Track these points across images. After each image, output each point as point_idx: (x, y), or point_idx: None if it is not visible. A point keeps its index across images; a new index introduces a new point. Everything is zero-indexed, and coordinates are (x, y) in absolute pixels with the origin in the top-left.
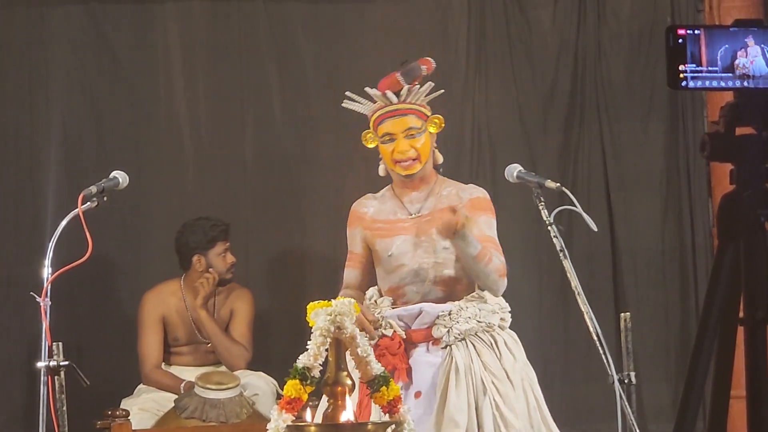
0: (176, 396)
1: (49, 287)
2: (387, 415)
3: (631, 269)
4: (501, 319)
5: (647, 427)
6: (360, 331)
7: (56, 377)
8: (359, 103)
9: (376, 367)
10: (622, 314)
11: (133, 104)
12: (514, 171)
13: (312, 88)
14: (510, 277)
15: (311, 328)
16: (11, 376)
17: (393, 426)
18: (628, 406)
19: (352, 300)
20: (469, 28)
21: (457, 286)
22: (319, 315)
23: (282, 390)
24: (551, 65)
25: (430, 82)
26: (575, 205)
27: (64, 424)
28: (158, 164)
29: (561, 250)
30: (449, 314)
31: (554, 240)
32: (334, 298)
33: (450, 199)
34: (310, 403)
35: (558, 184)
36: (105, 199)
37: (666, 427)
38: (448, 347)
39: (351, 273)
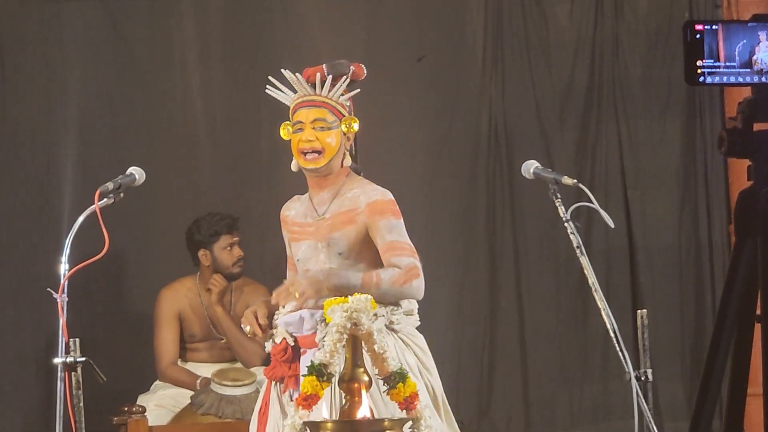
0: (192, 392)
1: (66, 283)
2: (404, 411)
3: (647, 266)
4: (390, 321)
5: (664, 425)
6: (249, 331)
7: (73, 373)
8: (281, 91)
9: (393, 364)
10: (639, 311)
11: (149, 100)
12: (530, 167)
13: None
14: (527, 274)
15: (327, 324)
16: (28, 372)
17: (410, 422)
18: (644, 403)
19: (369, 296)
20: (485, 24)
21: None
22: (335, 312)
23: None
24: (568, 61)
25: (345, 83)
26: (592, 202)
27: (80, 420)
28: (174, 160)
29: (578, 247)
30: (324, 320)
31: (571, 237)
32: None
33: (353, 201)
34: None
35: (575, 181)
36: (122, 195)
37: (682, 425)
38: None
39: (289, 275)
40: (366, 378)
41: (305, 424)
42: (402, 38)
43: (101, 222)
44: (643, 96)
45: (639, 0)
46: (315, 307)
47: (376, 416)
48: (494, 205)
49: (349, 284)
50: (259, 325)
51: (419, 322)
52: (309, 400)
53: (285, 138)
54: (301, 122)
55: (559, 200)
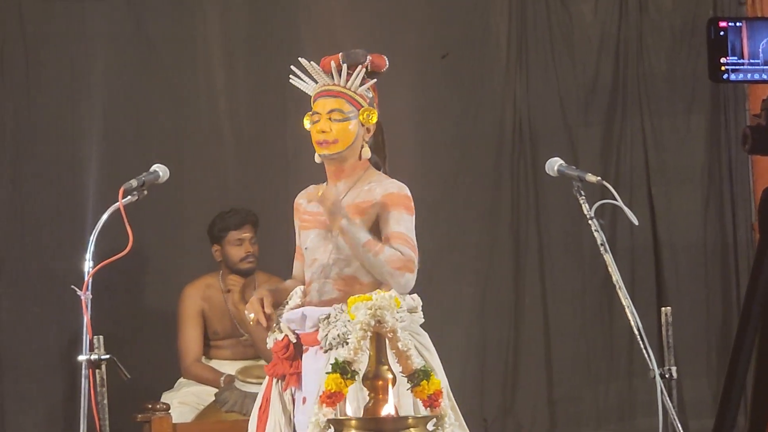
0: (216, 390)
1: (90, 281)
2: (428, 409)
3: (672, 263)
4: (394, 320)
5: (688, 422)
6: (252, 319)
7: (97, 370)
8: (305, 81)
9: (417, 361)
10: (663, 309)
11: (174, 97)
12: (554, 165)
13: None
14: (551, 272)
15: (352, 321)
16: (52, 370)
17: (434, 420)
18: (669, 401)
19: (393, 294)
20: (510, 20)
21: (357, 286)
22: (359, 309)
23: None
24: (593, 58)
25: (362, 72)
26: (616, 199)
27: (104, 418)
28: (198, 157)
29: (602, 244)
30: (328, 318)
31: (595, 234)
32: (374, 291)
33: (369, 194)
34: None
35: (599, 178)
36: (145, 192)
37: (707, 422)
38: (329, 352)
39: (296, 265)
40: (390, 375)
41: (329, 421)
42: (426, 35)
43: (125, 219)
44: (668, 93)
45: None
46: (318, 304)
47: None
48: (518, 202)
49: (355, 235)
50: (265, 314)
51: (423, 320)
52: (333, 398)
53: (307, 128)
54: (317, 113)
55: (584, 197)
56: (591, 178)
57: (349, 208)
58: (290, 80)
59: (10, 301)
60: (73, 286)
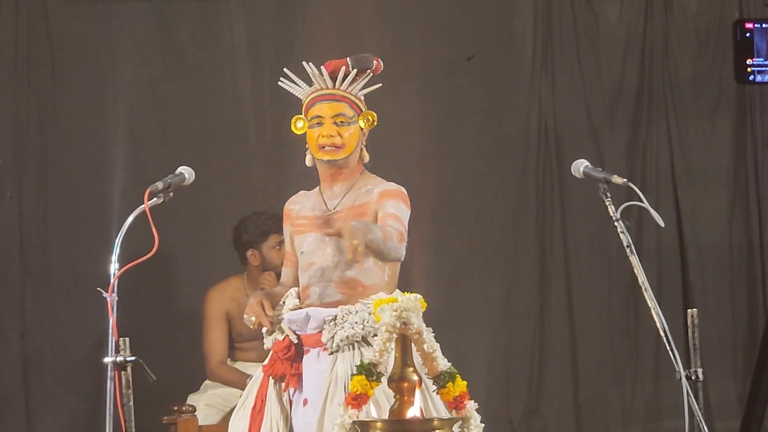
0: (242, 392)
1: (116, 283)
2: (453, 411)
3: (698, 265)
4: (420, 321)
5: (714, 424)
6: (253, 322)
7: (123, 372)
8: (297, 85)
9: (442, 363)
10: (690, 310)
11: (199, 100)
12: (580, 167)
13: (376, 82)
14: (577, 273)
15: (377, 323)
16: (78, 371)
17: (460, 422)
18: (695, 403)
19: (419, 296)
20: (535, 23)
21: (359, 289)
22: (385, 311)
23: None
24: (618, 61)
25: (370, 76)
26: (642, 201)
27: (130, 419)
28: (224, 160)
29: (628, 246)
30: (334, 319)
31: (621, 236)
32: (402, 293)
33: (367, 195)
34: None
35: (625, 180)
36: (171, 194)
37: (733, 424)
38: (334, 354)
39: (285, 271)
40: (416, 377)
41: (355, 423)
42: (452, 37)
43: (151, 221)
44: (693, 95)
45: None
46: (321, 305)
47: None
48: (544, 204)
49: (375, 236)
50: (267, 316)
51: None
52: (358, 400)
53: (297, 132)
54: (320, 117)
55: (609, 199)
56: (617, 180)
57: (349, 210)
58: (280, 83)
59: (37, 304)
60: (99, 288)
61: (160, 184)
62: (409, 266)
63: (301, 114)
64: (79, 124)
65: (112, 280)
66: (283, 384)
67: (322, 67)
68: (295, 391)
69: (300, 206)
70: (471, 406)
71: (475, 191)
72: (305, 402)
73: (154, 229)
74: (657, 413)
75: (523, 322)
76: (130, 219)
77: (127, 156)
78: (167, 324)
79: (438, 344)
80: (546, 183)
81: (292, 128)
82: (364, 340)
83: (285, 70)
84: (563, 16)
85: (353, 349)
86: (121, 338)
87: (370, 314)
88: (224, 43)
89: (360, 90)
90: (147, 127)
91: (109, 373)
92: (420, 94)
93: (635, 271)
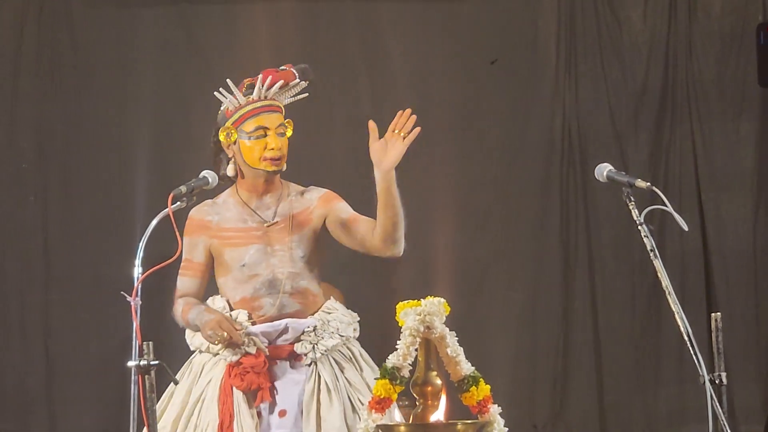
0: None
1: (139, 287)
2: (477, 415)
3: (722, 269)
4: (354, 329)
5: (738, 428)
6: (224, 338)
7: (147, 376)
8: (233, 95)
9: (466, 367)
10: (713, 314)
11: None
12: (604, 170)
13: (400, 86)
14: (601, 277)
15: (400, 327)
16: (102, 375)
17: (483, 426)
18: (719, 407)
19: (442, 300)
20: (559, 27)
21: (311, 298)
22: (408, 315)
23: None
24: (642, 64)
25: (301, 83)
26: (666, 205)
27: (154, 423)
28: None
29: (651, 250)
30: (314, 330)
31: (645, 240)
32: (424, 297)
33: (303, 202)
34: (399, 403)
35: (648, 184)
36: (195, 198)
37: (757, 428)
38: (313, 364)
39: (191, 282)
40: (439, 381)
41: (378, 427)
42: (476, 41)
43: (174, 225)
44: (717, 98)
45: (713, 2)
46: (282, 316)
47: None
48: (568, 208)
49: (402, 219)
50: (237, 330)
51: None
52: (382, 404)
53: (227, 142)
54: (265, 128)
55: (633, 203)
56: (640, 183)
57: (288, 220)
58: (216, 93)
59: (61, 308)
60: (122, 292)
61: (183, 188)
62: (433, 270)
63: (227, 125)
64: (103, 128)
65: (135, 284)
66: (254, 398)
67: (262, 76)
68: (269, 403)
69: (219, 217)
70: (495, 410)
71: (499, 195)
72: (282, 413)
73: (177, 233)
74: (680, 417)
75: (546, 326)
76: (154, 223)
77: (150, 160)
78: None
79: (461, 348)
80: (570, 187)
81: (221, 138)
82: (337, 349)
83: (227, 80)
84: (587, 21)
85: (327, 357)
86: (144, 342)
87: (341, 323)
88: (248, 47)
89: (289, 100)
90: (170, 131)
91: (132, 377)
92: (444, 98)
93: (659, 275)
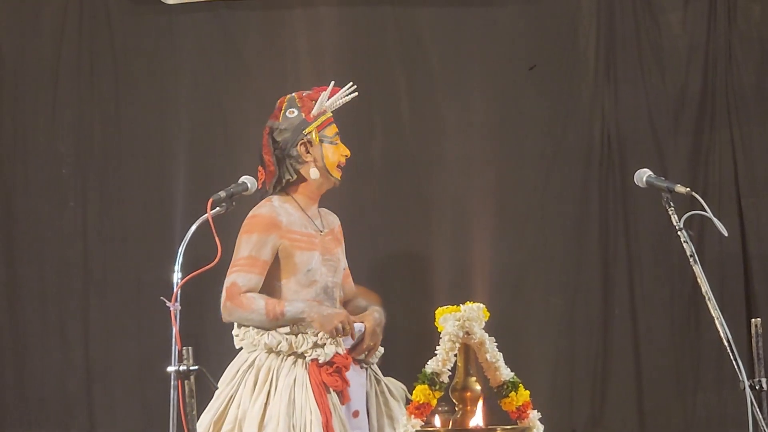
0: None
1: (179, 292)
2: (517, 420)
3: (762, 274)
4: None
5: None
6: (347, 333)
7: (186, 382)
8: (312, 102)
9: (505, 373)
10: (753, 320)
11: (261, 109)
12: (643, 176)
13: (439, 92)
14: (640, 283)
15: (440, 333)
16: (142, 380)
17: (522, 431)
18: (759, 413)
19: (481, 305)
20: (598, 32)
21: (345, 307)
22: (447, 320)
23: (411, 395)
24: (681, 69)
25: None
26: (705, 210)
27: (194, 428)
28: None
29: (691, 256)
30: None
31: (684, 245)
32: (462, 303)
33: (329, 220)
34: (439, 409)
35: (688, 189)
36: (234, 204)
37: None
38: (368, 368)
39: (257, 279)
40: (478, 387)
41: None
42: (514, 47)
43: (214, 231)
44: (757, 103)
45: (752, 7)
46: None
47: None
48: (607, 213)
49: None
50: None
51: None
52: (422, 409)
53: (314, 142)
54: (337, 135)
55: (672, 209)
56: (680, 189)
57: (332, 233)
58: (344, 99)
59: (100, 313)
60: (162, 298)
61: (222, 194)
62: (471, 275)
63: (311, 128)
64: (142, 134)
65: (175, 290)
66: (340, 398)
67: (330, 90)
68: (349, 404)
69: (287, 219)
70: (534, 415)
71: (537, 200)
72: (356, 414)
73: (216, 239)
74: (720, 423)
75: (586, 331)
76: (193, 228)
77: (189, 166)
78: (230, 333)
79: (501, 354)
80: (609, 192)
81: (314, 139)
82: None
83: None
84: (626, 25)
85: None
86: (184, 347)
87: None
88: (287, 53)
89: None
90: (210, 137)
91: (172, 382)
92: (483, 104)
93: (698, 280)
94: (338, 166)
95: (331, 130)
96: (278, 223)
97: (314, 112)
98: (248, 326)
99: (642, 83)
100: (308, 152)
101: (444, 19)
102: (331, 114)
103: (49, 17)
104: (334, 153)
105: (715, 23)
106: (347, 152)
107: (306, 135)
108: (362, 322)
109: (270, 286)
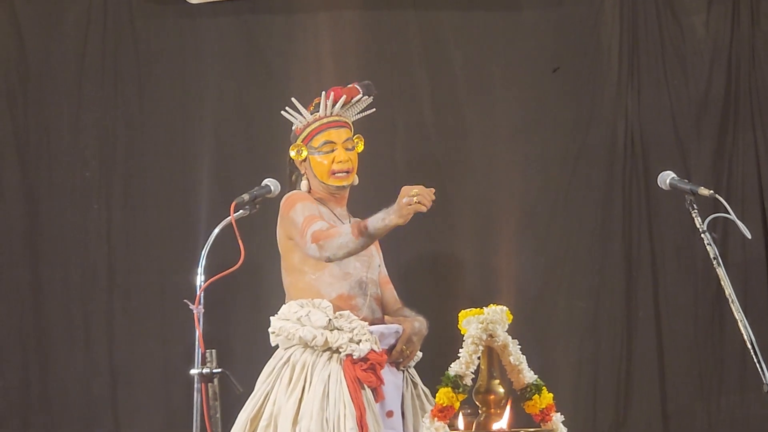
0: None
1: (202, 295)
2: (540, 423)
3: None
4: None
5: None
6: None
7: (210, 384)
8: (300, 114)
9: (529, 376)
10: None
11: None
12: (667, 178)
13: (462, 94)
14: (664, 285)
15: (463, 335)
16: (165, 383)
17: None
18: None
19: (505, 308)
20: (621, 34)
21: (381, 305)
22: (471, 323)
23: (434, 398)
24: (704, 71)
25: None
26: (729, 213)
27: (217, 431)
28: None
29: (715, 258)
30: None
31: (708, 248)
32: (485, 305)
33: (354, 220)
34: (462, 411)
35: (711, 192)
36: (257, 206)
37: None
38: (403, 370)
39: (327, 225)
40: (502, 390)
41: None
42: (538, 49)
43: (237, 233)
44: None
45: None
46: (373, 322)
47: None
48: (630, 216)
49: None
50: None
51: None
52: (445, 412)
53: (298, 159)
54: (332, 142)
55: (696, 211)
56: (703, 191)
57: None
58: (283, 113)
59: (124, 316)
60: (185, 300)
61: (246, 197)
62: (494, 277)
63: (297, 142)
64: (166, 137)
65: (198, 292)
66: (374, 395)
67: (325, 93)
68: (383, 402)
69: (324, 211)
70: (557, 418)
71: (560, 203)
72: (390, 414)
73: (240, 242)
74: (744, 425)
75: (609, 334)
76: (216, 231)
77: (213, 168)
78: (254, 335)
79: (524, 356)
80: (632, 195)
81: (292, 155)
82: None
83: (293, 99)
84: (649, 28)
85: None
86: (207, 350)
87: None
88: (310, 57)
89: (357, 116)
90: (233, 140)
91: (195, 385)
92: (506, 106)
93: (722, 282)
94: (334, 173)
95: (319, 140)
96: (314, 201)
97: (297, 124)
98: (340, 255)
99: (665, 85)
100: (300, 165)
101: (467, 23)
102: (327, 121)
103: (72, 19)
104: (322, 163)
105: (739, 25)
106: (343, 157)
107: (294, 150)
108: (400, 325)
109: (303, 281)
